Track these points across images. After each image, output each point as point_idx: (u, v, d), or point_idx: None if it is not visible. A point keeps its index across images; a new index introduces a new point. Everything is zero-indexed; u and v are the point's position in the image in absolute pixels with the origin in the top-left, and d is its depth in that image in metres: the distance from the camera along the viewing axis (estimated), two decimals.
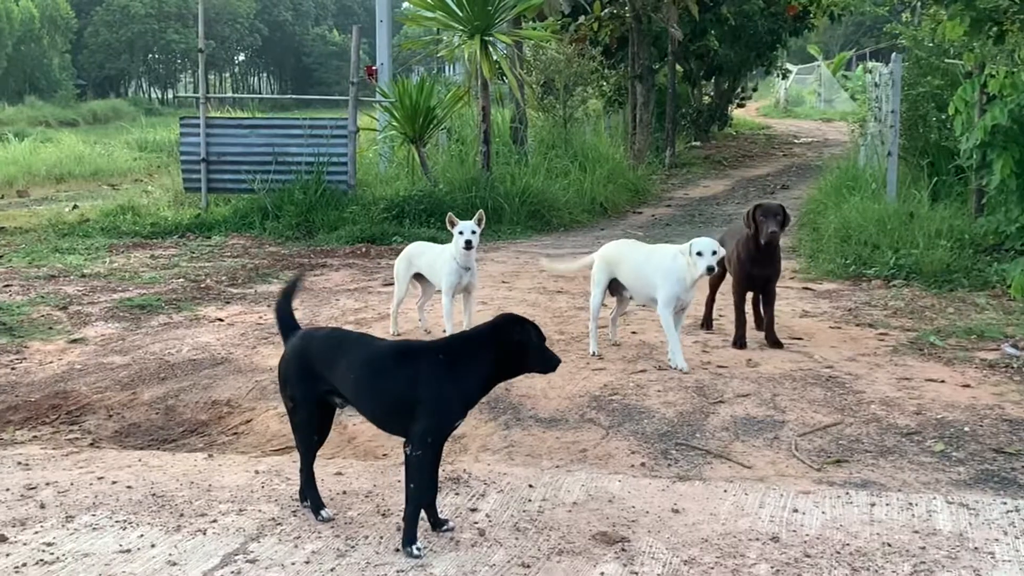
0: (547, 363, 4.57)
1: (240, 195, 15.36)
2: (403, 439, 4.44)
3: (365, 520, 4.69)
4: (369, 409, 4.63)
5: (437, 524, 4.60)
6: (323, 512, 4.76)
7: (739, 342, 7.91)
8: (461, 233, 7.73)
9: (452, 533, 4.54)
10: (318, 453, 5.76)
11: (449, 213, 8.05)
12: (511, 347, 4.46)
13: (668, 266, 7.28)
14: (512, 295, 9.81)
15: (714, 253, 7.04)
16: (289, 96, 55.11)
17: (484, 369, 4.46)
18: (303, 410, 4.69)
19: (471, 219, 7.83)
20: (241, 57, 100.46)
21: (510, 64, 16.01)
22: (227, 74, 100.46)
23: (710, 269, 7.05)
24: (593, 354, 7.62)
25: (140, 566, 4.22)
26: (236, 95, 61.04)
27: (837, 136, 30.16)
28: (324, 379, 4.60)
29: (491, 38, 15.01)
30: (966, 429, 6.00)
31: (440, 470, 5.26)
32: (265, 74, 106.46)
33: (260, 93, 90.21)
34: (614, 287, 7.83)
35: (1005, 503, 4.86)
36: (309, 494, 4.83)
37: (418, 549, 4.34)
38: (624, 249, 7.81)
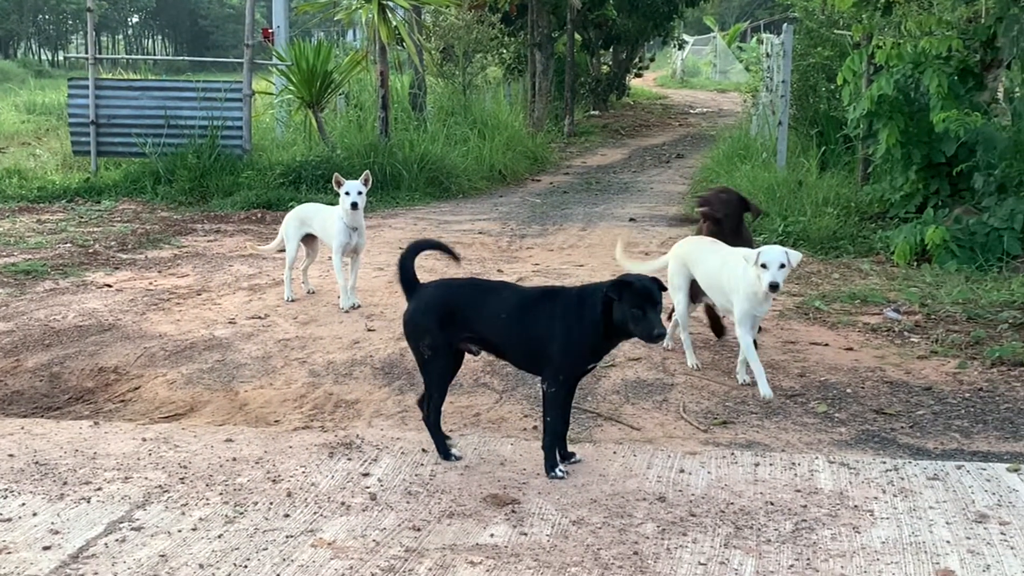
0: (643, 329, 4.62)
1: (131, 159, 14.99)
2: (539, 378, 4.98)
3: (255, 487, 4.66)
4: (513, 349, 4.92)
5: (565, 457, 4.94)
6: (453, 452, 5.07)
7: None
8: (347, 194, 7.74)
9: (344, 497, 4.55)
10: (210, 420, 5.75)
11: (336, 174, 8.13)
12: (608, 305, 4.66)
13: (742, 277, 6.05)
14: None
15: (781, 266, 5.78)
16: (183, 58, 53.67)
17: (600, 320, 4.68)
18: (442, 357, 4.90)
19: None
20: (135, 19, 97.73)
21: (409, 29, 15.88)
22: (120, 36, 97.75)
23: (773, 287, 5.77)
24: (695, 368, 6.56)
25: (21, 535, 4.14)
26: (129, 56, 59.27)
27: (731, 106, 30.60)
28: (467, 325, 4.86)
29: (389, 2, 14.86)
30: (848, 391, 6.19)
31: (332, 435, 5.30)
32: (160, 36, 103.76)
33: (154, 55, 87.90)
34: (695, 291, 6.68)
35: (884, 462, 5.02)
36: (438, 440, 5.07)
37: (561, 471, 4.81)
38: (699, 250, 6.60)
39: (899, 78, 10.64)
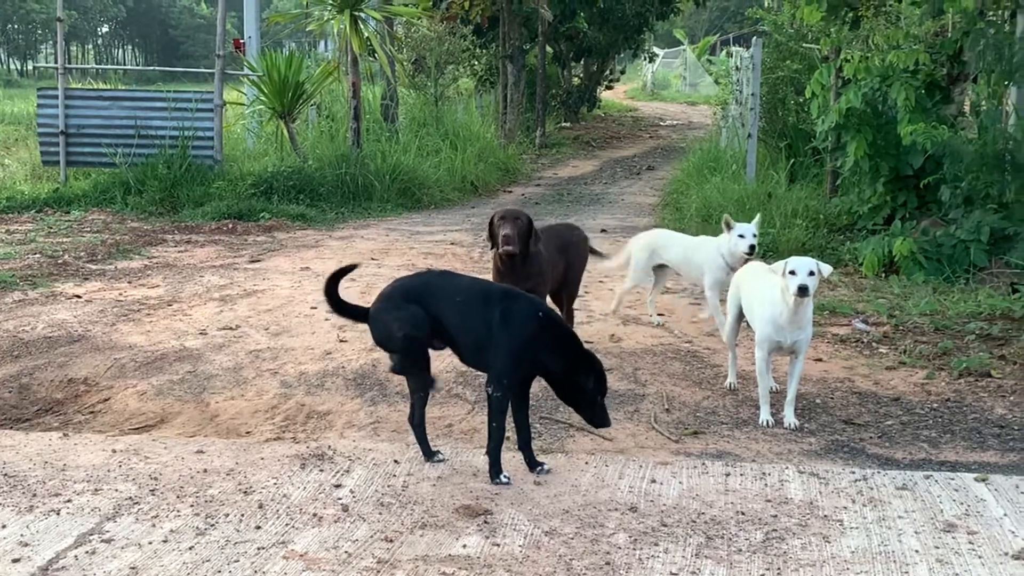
0: (594, 417, 4.95)
1: (101, 169, 14.91)
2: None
3: (226, 498, 4.64)
4: (461, 339, 4.95)
5: (532, 465, 5.01)
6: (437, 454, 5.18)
7: None
8: (742, 236, 7.16)
9: (316, 508, 4.54)
10: (181, 431, 5.72)
11: (725, 215, 7.46)
12: (569, 376, 4.85)
13: (765, 296, 5.91)
14: (382, 272, 9.77)
15: (811, 274, 5.59)
16: (155, 68, 53.34)
17: (547, 361, 4.83)
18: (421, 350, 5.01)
19: (750, 226, 7.29)
20: (105, 28, 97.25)
21: (380, 40, 15.91)
22: (89, 45, 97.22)
23: (802, 290, 5.56)
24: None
25: None
26: (99, 66, 58.88)
27: (701, 119, 30.82)
28: (434, 313, 4.91)
29: (361, 13, 14.87)
30: (818, 401, 6.25)
31: (304, 446, 5.29)
32: (130, 46, 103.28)
33: (124, 65, 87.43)
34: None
35: (854, 472, 5.07)
36: (421, 439, 5.18)
37: (506, 476, 4.87)
38: (747, 273, 6.41)
39: (867, 91, 10.76)
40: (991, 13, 11.04)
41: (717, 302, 7.37)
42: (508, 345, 4.78)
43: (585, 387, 4.84)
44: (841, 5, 12.14)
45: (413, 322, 4.88)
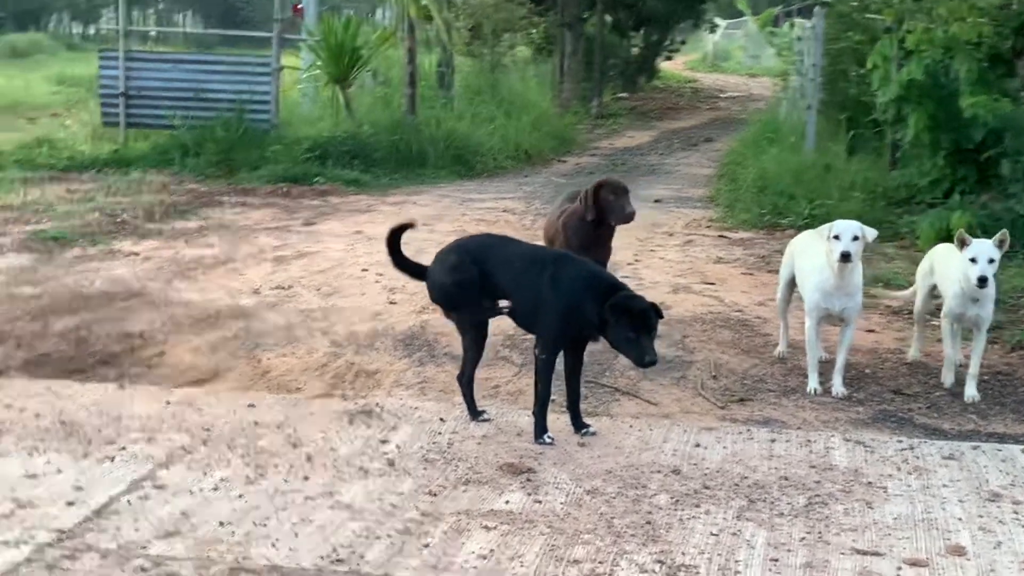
0: (636, 354, 4.70)
1: (160, 131, 15.09)
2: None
3: (276, 450, 4.74)
4: (516, 301, 5.00)
5: (578, 427, 5.04)
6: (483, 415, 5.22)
7: None
8: (973, 260, 5.59)
9: (363, 462, 4.61)
10: (233, 386, 5.84)
11: (960, 230, 5.84)
12: (601, 316, 4.69)
13: (814, 264, 5.91)
14: (433, 237, 9.74)
15: (855, 239, 5.57)
16: (215, 32, 53.63)
17: (590, 314, 4.75)
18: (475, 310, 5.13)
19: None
20: None
21: (438, 7, 15.92)
22: (151, 10, 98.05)
23: (844, 256, 5.54)
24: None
25: (45, 490, 4.24)
26: (160, 28, 59.32)
27: (762, 91, 30.41)
28: (489, 276, 5.03)
29: None
30: (867, 371, 6.24)
31: (352, 403, 5.38)
32: (189, 11, 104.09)
33: (184, 29, 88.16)
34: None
35: (900, 441, 5.07)
36: (468, 398, 5.26)
37: (550, 437, 4.91)
38: (800, 241, 6.44)
39: (929, 63, 10.62)
40: None
41: (951, 336, 6.08)
42: (555, 308, 4.83)
43: (622, 325, 4.67)
44: None
45: (467, 274, 4.99)
